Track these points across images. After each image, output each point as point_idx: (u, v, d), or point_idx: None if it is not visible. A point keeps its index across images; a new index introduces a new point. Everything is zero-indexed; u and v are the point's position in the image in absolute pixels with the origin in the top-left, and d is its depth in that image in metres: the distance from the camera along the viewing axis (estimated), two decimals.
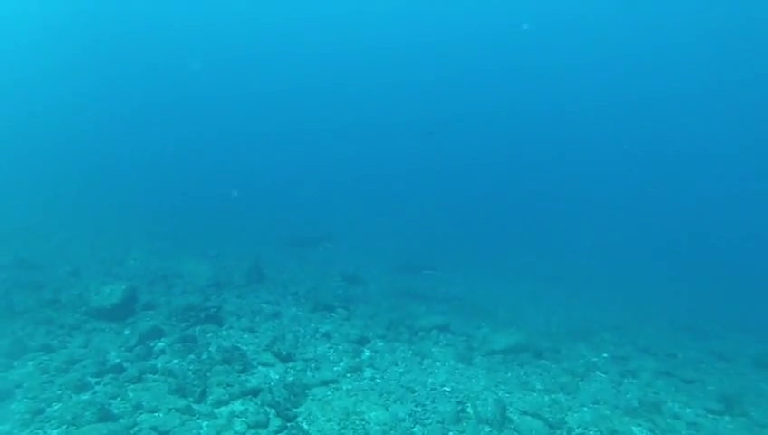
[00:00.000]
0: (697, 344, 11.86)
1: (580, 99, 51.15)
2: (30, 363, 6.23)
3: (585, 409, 7.12)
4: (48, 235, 15.24)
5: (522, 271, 20.54)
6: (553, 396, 7.42)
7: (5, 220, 16.46)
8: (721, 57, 39.46)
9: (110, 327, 7.72)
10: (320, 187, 39.59)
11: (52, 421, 5.04)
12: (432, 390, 7.08)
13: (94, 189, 27.99)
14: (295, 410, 5.92)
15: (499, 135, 55.14)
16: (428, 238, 25.88)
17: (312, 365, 7.36)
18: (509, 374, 8.16)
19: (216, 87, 55.61)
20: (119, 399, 5.64)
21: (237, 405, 5.84)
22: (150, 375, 6.31)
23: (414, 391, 6.93)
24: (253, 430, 5.40)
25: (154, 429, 5.14)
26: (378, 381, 7.19)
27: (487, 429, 6.16)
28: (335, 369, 7.36)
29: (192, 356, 7.02)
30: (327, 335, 8.75)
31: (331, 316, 10.00)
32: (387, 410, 6.18)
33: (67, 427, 4.95)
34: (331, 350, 8.10)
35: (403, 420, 6.05)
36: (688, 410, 7.47)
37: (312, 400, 6.25)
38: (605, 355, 9.86)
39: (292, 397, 6.09)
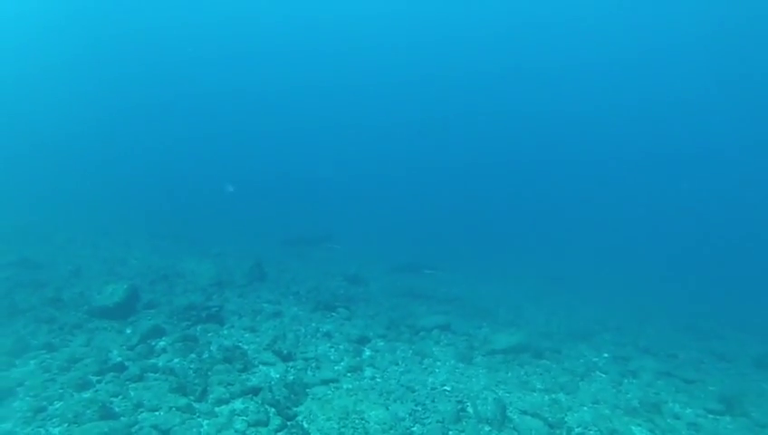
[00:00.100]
0: (698, 344, 11.86)
1: (580, 99, 51.10)
2: (32, 362, 6.26)
3: (585, 408, 7.13)
4: (50, 234, 15.30)
5: (523, 271, 20.59)
6: (553, 396, 7.44)
7: (8, 219, 16.54)
8: (722, 58, 39.38)
9: (112, 326, 7.75)
10: (321, 186, 39.68)
11: (54, 419, 5.06)
12: (432, 389, 7.10)
13: (96, 188, 28.09)
14: (295, 408, 5.94)
15: (501, 135, 55.15)
16: (430, 238, 25.94)
17: (313, 364, 7.38)
18: (509, 374, 8.18)
19: (217, 86, 55.68)
20: (120, 397, 5.66)
21: (238, 404, 5.86)
22: (152, 374, 6.33)
23: (414, 391, 6.94)
24: (253, 429, 5.42)
25: (155, 427, 5.16)
26: (378, 380, 7.21)
27: (487, 428, 6.18)
28: (336, 368, 7.38)
29: (193, 355, 7.05)
30: (328, 335, 8.78)
31: (332, 316, 10.02)
32: (387, 409, 6.20)
33: (68, 425, 4.97)
34: (332, 349, 8.12)
35: (403, 419, 6.06)
36: (689, 411, 7.47)
37: (313, 399, 6.27)
38: (606, 355, 9.87)
39: (292, 396, 6.11)
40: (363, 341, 8.70)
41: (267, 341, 7.85)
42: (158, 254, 14.36)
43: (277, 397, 5.97)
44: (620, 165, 49.07)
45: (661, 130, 49.56)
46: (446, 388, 7.21)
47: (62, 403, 5.36)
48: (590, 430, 6.51)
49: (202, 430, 5.28)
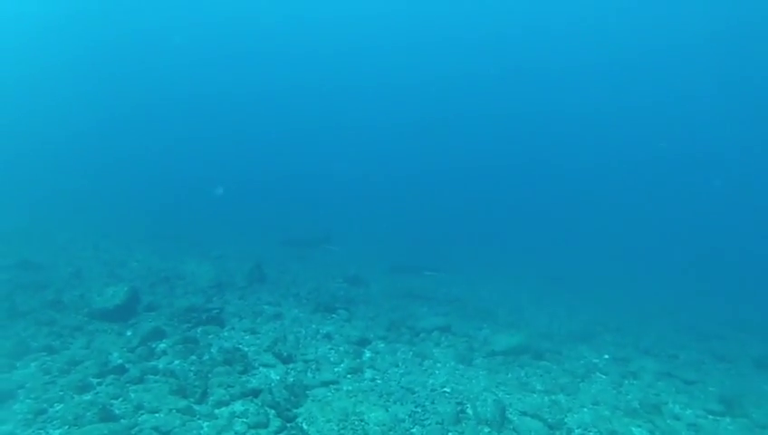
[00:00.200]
0: (699, 345, 11.84)
1: (580, 100, 51.10)
2: (32, 364, 6.28)
3: (585, 410, 7.13)
4: (51, 236, 15.33)
5: (524, 272, 20.57)
6: (553, 397, 7.44)
7: (8, 221, 16.56)
8: (723, 59, 39.39)
9: (113, 328, 7.76)
10: (321, 186, 39.71)
11: (54, 422, 5.08)
12: (432, 391, 7.11)
13: (97, 190, 28.11)
14: (295, 410, 5.95)
15: (501, 135, 55.18)
16: (431, 239, 25.94)
17: (313, 366, 7.39)
18: (509, 375, 8.18)
19: (217, 87, 55.76)
20: (120, 399, 5.67)
21: (238, 406, 5.88)
22: (152, 376, 6.34)
23: (414, 392, 6.95)
24: (253, 431, 5.43)
25: (155, 429, 5.17)
26: (378, 382, 7.22)
27: (486, 429, 6.18)
28: (336, 370, 7.39)
29: (193, 357, 7.06)
30: (328, 336, 8.78)
31: (333, 317, 10.03)
32: (386, 410, 6.21)
33: (69, 427, 4.99)
34: (332, 351, 8.12)
35: (402, 420, 6.07)
36: (689, 412, 7.47)
37: (313, 400, 6.28)
38: (606, 356, 9.86)
39: (292, 398, 6.12)
40: (363, 342, 8.71)
41: (267, 343, 7.87)
42: (159, 256, 14.37)
43: (277, 399, 5.98)
44: (621, 165, 49.07)
45: (662, 131, 49.54)
46: (445, 389, 7.21)
47: (62, 405, 5.38)
48: (589, 431, 6.51)
49: (202, 431, 5.29)
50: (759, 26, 33.84)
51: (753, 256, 28.96)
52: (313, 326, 9.23)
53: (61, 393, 5.64)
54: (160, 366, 6.66)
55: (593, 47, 46.21)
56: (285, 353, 7.49)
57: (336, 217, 28.44)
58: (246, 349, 7.58)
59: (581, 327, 12.22)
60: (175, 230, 19.66)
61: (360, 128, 57.15)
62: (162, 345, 7.33)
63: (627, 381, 8.54)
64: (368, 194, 40.68)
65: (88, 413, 5.14)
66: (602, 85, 49.73)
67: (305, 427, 5.64)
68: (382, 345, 8.77)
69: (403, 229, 28.28)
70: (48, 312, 8.00)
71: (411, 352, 8.61)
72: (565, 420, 6.70)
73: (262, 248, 18.14)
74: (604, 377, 8.65)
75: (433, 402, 6.66)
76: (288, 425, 5.64)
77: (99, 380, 6.05)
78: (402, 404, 6.52)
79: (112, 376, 6.16)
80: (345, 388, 6.80)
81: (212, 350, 7.41)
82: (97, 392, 5.78)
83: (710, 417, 7.40)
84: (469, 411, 6.54)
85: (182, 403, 5.68)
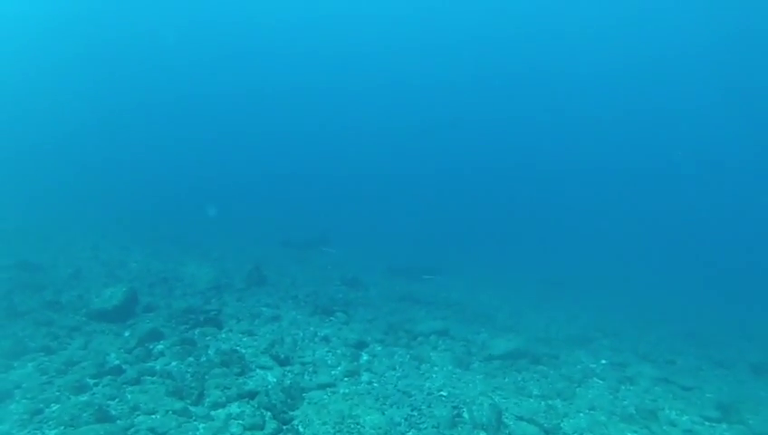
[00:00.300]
0: (697, 351, 11.85)
1: (582, 104, 51.16)
2: (29, 364, 6.29)
3: (581, 415, 7.14)
4: (50, 236, 15.35)
5: (523, 276, 20.57)
6: (550, 402, 7.44)
7: (7, 221, 16.58)
8: (727, 64, 39.45)
9: (110, 329, 7.78)
10: (322, 187, 39.75)
11: (50, 422, 5.09)
12: (429, 394, 7.11)
13: (97, 190, 28.14)
14: (291, 413, 5.95)
15: (501, 139, 55.20)
16: (430, 242, 25.94)
17: (310, 369, 7.39)
18: (506, 380, 8.18)
19: (216, 87, 55.85)
20: (117, 400, 5.68)
21: (234, 408, 5.88)
22: (149, 377, 6.35)
23: (410, 396, 6.95)
24: (248, 433, 5.43)
25: (151, 430, 5.18)
26: (375, 385, 7.22)
27: (482, 434, 6.18)
28: (332, 373, 7.40)
29: (191, 359, 7.07)
30: (326, 339, 8.79)
31: (331, 320, 10.04)
32: (383, 414, 6.21)
33: (65, 427, 4.99)
34: (330, 353, 8.13)
35: (399, 424, 6.08)
36: (685, 418, 7.47)
37: (309, 403, 6.28)
38: (603, 362, 9.87)
39: (288, 400, 6.13)
40: (361, 345, 8.72)
41: (265, 345, 7.87)
42: (158, 257, 14.39)
43: (273, 401, 5.99)
44: (621, 171, 49.08)
45: (661, 136, 49.60)
46: (442, 393, 7.22)
47: (58, 406, 5.39)
48: None
49: (198, 433, 5.30)
50: (762, 32, 33.92)
51: (753, 263, 28.94)
52: (311, 329, 9.24)
53: (57, 394, 5.65)
54: (157, 367, 6.67)
55: (593, 49, 46.30)
56: (282, 356, 7.50)
57: (336, 219, 28.50)
58: (244, 351, 7.58)
59: (579, 332, 12.23)
60: (174, 231, 19.69)
61: (360, 129, 57.26)
62: (160, 346, 7.34)
63: (624, 387, 8.54)
64: (368, 196, 40.73)
65: (84, 414, 5.16)
66: (602, 89, 49.81)
67: (301, 429, 5.65)
68: (380, 348, 8.78)
69: (403, 232, 28.28)
70: (46, 312, 8.01)
71: (408, 356, 8.61)
72: (561, 425, 6.70)
73: (261, 250, 18.18)
74: (601, 382, 8.65)
75: (429, 406, 6.67)
76: (284, 427, 5.64)
77: (96, 380, 6.06)
78: (398, 408, 6.52)
79: (109, 377, 6.17)
80: (342, 391, 6.81)
81: (209, 351, 7.42)
82: (93, 393, 5.79)
83: (706, 423, 7.40)
84: (465, 416, 6.54)
85: (178, 405, 5.69)
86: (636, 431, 6.73)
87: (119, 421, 5.24)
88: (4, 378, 5.81)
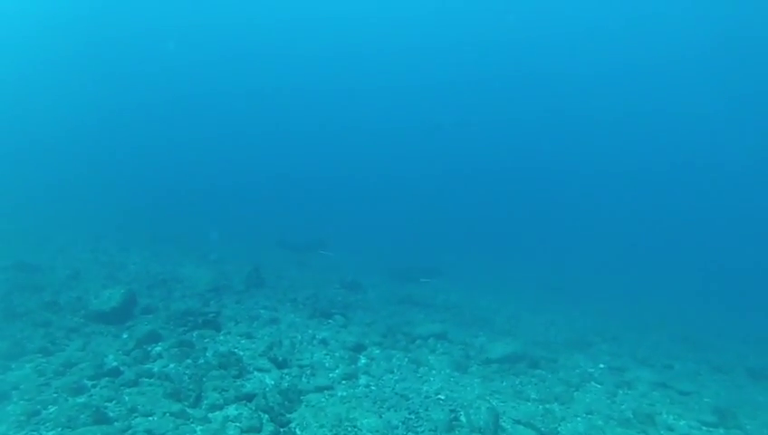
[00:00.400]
0: (695, 356, 11.84)
1: (582, 108, 51.22)
2: (27, 366, 6.29)
3: (578, 419, 7.14)
4: (49, 237, 15.35)
5: (522, 280, 20.56)
6: (547, 406, 7.44)
7: (6, 222, 16.59)
8: (727, 66, 39.54)
9: (109, 331, 7.78)
10: (321, 190, 39.78)
11: (48, 423, 5.09)
12: (426, 398, 7.11)
13: (96, 191, 28.14)
14: (289, 415, 5.96)
15: (501, 142, 55.25)
16: (430, 245, 25.94)
17: (308, 371, 7.40)
18: (504, 383, 8.18)
19: (217, 88, 55.91)
20: (114, 402, 5.69)
21: (231, 410, 5.89)
22: (146, 379, 6.36)
23: (408, 399, 6.96)
24: None
25: (148, 432, 5.18)
26: (372, 388, 7.23)
27: None
28: (330, 375, 7.40)
29: (189, 361, 7.08)
30: (324, 342, 8.80)
31: (329, 323, 10.05)
32: (380, 417, 6.21)
33: (62, 429, 5.00)
34: (328, 356, 8.14)
35: (396, 427, 6.08)
36: (682, 422, 7.47)
37: (306, 406, 6.29)
38: (602, 366, 9.86)
39: (286, 403, 6.14)
40: (359, 348, 8.72)
41: (263, 347, 7.88)
42: (157, 258, 14.40)
43: (271, 403, 5.99)
44: (621, 175, 49.13)
45: (660, 139, 49.67)
46: (440, 396, 7.22)
47: (56, 407, 5.39)
48: None
49: None
50: (763, 32, 34.01)
51: (751, 267, 28.94)
52: (309, 331, 9.25)
53: (55, 395, 5.65)
54: (155, 369, 6.67)
55: (592, 51, 46.39)
56: (280, 358, 7.51)
57: (336, 222, 28.51)
58: (242, 353, 7.59)
59: (578, 336, 12.22)
60: (174, 233, 19.69)
61: (360, 131, 57.30)
62: (158, 348, 7.35)
63: (621, 391, 8.54)
64: (368, 198, 40.75)
65: (81, 416, 5.16)
66: (603, 92, 49.88)
67: (298, 432, 5.65)
68: (378, 351, 8.78)
69: (402, 235, 28.29)
70: (44, 313, 8.02)
71: (406, 359, 8.62)
72: (558, 429, 6.71)
73: (260, 252, 18.17)
74: (599, 386, 8.65)
75: (427, 409, 6.67)
76: (281, 430, 5.65)
77: (93, 382, 6.07)
78: (396, 411, 6.53)
79: (107, 379, 6.17)
80: (339, 394, 6.81)
81: (207, 354, 7.42)
82: (91, 395, 5.79)
83: (704, 428, 7.40)
84: (462, 419, 6.54)
85: (176, 407, 5.70)
86: None
87: (116, 423, 5.24)
88: (1, 379, 5.82)
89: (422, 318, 11.70)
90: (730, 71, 40.04)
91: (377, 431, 5.83)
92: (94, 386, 5.99)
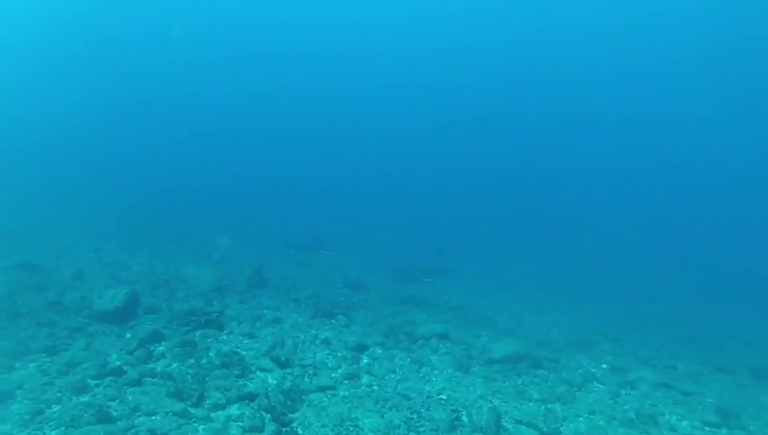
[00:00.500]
0: (698, 356, 11.81)
1: (582, 108, 51.14)
2: (31, 365, 6.33)
3: (581, 419, 7.13)
4: (53, 237, 15.40)
5: (524, 280, 20.55)
6: (549, 406, 7.44)
7: (11, 222, 16.65)
8: (727, 68, 39.42)
9: (112, 330, 7.82)
10: (324, 189, 39.81)
11: (51, 422, 5.12)
12: (428, 397, 7.12)
13: (100, 191, 28.24)
14: (291, 415, 5.97)
15: (502, 142, 55.17)
16: (431, 245, 25.92)
17: (310, 371, 7.41)
18: (506, 383, 8.18)
19: (220, 88, 55.99)
20: (117, 401, 5.71)
21: (234, 409, 5.91)
22: (150, 378, 6.39)
23: (410, 399, 6.97)
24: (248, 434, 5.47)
25: (151, 431, 5.21)
26: (375, 388, 7.24)
27: None
28: (333, 375, 7.42)
29: (191, 360, 7.10)
30: (326, 342, 8.82)
31: (332, 323, 10.07)
32: (382, 416, 6.23)
33: (66, 428, 5.03)
34: (330, 356, 8.15)
35: (398, 427, 6.09)
36: (685, 423, 7.45)
37: (309, 405, 6.30)
38: (604, 366, 9.85)
39: (288, 402, 6.15)
40: (361, 348, 8.74)
41: (266, 347, 7.90)
42: (160, 258, 14.43)
43: (273, 403, 6.01)
44: (623, 175, 49.04)
45: (663, 139, 49.55)
46: (441, 396, 7.23)
47: (59, 407, 5.42)
48: None
49: None
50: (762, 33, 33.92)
51: (754, 267, 28.85)
52: (312, 331, 9.26)
53: (58, 394, 5.68)
54: (158, 369, 6.70)
55: (592, 51, 46.31)
56: (283, 358, 7.53)
57: (338, 222, 28.53)
58: (244, 353, 7.62)
59: (580, 336, 12.21)
60: (177, 233, 19.74)
61: (362, 131, 57.31)
62: (161, 348, 7.38)
63: (624, 392, 8.53)
64: (371, 198, 40.77)
65: (85, 415, 5.19)
66: (603, 93, 49.79)
67: (300, 432, 5.67)
68: (380, 351, 8.80)
69: (406, 235, 28.30)
70: (48, 313, 8.05)
71: (409, 359, 8.63)
72: (560, 429, 6.70)
73: (263, 252, 18.20)
74: (601, 387, 8.64)
75: (428, 409, 6.68)
76: (283, 429, 5.67)
77: (97, 382, 6.10)
78: (398, 411, 6.54)
79: (110, 378, 6.20)
80: (341, 393, 6.83)
81: (210, 353, 7.45)
82: (95, 394, 5.82)
83: (707, 428, 7.38)
84: (464, 419, 6.55)
85: (179, 406, 5.72)
86: None
87: (119, 422, 5.27)
88: (6, 378, 5.85)
89: (424, 318, 11.70)
90: (730, 71, 39.92)
91: (379, 431, 5.84)
92: (97, 385, 6.02)
